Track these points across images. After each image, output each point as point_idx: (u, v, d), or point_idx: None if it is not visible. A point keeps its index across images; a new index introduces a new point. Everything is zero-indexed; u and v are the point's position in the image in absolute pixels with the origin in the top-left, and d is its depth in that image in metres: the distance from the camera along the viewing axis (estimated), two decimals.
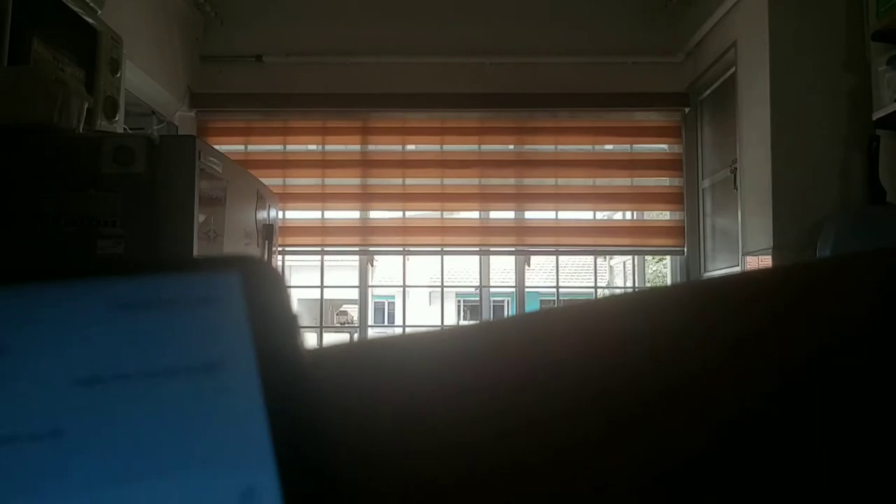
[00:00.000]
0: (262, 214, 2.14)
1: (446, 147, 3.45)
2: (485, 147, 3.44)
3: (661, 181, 3.43)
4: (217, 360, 0.14)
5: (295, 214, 3.43)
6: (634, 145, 3.45)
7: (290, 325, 0.15)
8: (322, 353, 0.17)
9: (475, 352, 0.17)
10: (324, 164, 3.44)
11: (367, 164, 3.44)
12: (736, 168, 2.85)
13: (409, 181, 3.43)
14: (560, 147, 3.44)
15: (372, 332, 3.84)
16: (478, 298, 3.77)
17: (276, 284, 0.15)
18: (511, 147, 3.45)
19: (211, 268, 0.15)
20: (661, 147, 3.47)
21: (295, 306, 0.15)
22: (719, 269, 3.13)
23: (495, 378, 0.16)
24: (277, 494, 0.12)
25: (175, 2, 3.12)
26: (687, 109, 3.40)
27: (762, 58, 2.57)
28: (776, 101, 2.52)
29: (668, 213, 3.46)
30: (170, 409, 0.13)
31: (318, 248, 3.42)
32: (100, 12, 2.09)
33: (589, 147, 3.46)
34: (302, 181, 3.43)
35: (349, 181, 3.43)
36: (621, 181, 3.41)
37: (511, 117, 3.43)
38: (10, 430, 0.12)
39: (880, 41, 2.33)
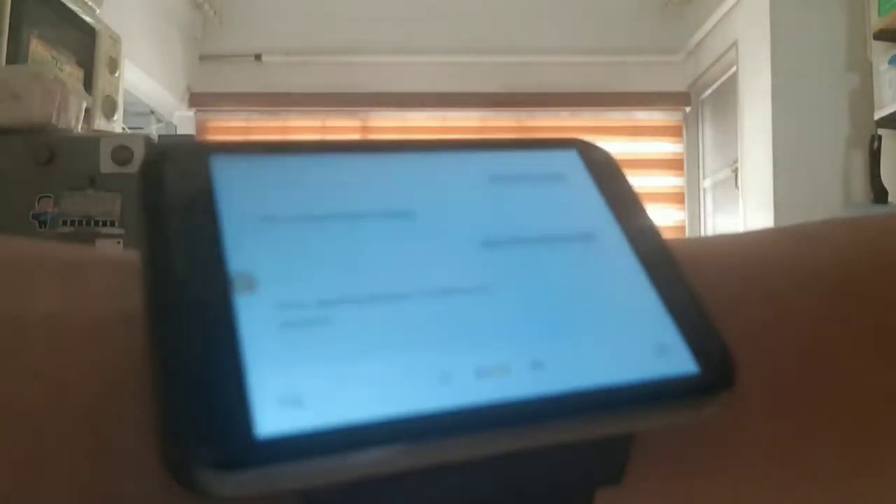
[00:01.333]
0: None
1: None
2: None
3: (663, 181, 3.42)
4: (588, 231, 0.15)
5: None
6: (636, 145, 3.44)
7: (637, 198, 0.16)
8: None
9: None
10: None
11: None
12: (737, 167, 2.84)
13: None
14: None
15: None
16: None
17: (611, 162, 0.16)
18: None
19: (552, 146, 0.16)
20: (662, 146, 3.47)
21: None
22: None
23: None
24: (686, 349, 0.13)
25: (174, 1, 3.11)
26: (688, 109, 3.39)
27: (763, 57, 2.56)
28: (777, 100, 2.51)
29: (669, 212, 3.45)
30: (567, 273, 0.14)
31: None
32: (98, 11, 2.08)
33: None
34: None
35: None
36: None
37: (511, 117, 3.42)
38: (447, 283, 0.13)
39: (882, 40, 2.32)
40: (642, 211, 0.16)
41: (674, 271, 0.14)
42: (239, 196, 0.13)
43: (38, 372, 0.11)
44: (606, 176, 0.16)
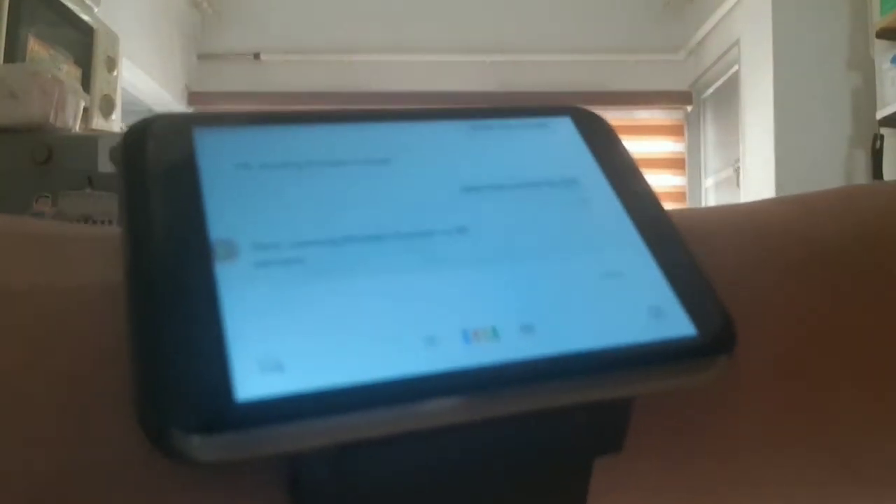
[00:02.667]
0: None
1: None
2: None
3: (664, 180, 3.41)
4: (571, 177, 0.14)
5: None
6: (637, 144, 3.43)
7: (634, 164, 0.15)
8: None
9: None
10: None
11: None
12: (739, 167, 2.83)
13: None
14: None
15: None
16: None
17: (607, 128, 0.16)
18: None
19: (546, 113, 0.16)
20: (663, 146, 3.46)
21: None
22: None
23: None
24: (683, 312, 0.13)
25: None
26: (690, 108, 3.38)
27: (765, 56, 2.55)
28: (779, 99, 2.50)
29: None
30: (548, 215, 0.14)
31: None
32: (96, 10, 2.07)
33: None
34: None
35: None
36: None
37: None
38: (428, 226, 0.13)
39: (884, 39, 2.31)
40: (639, 176, 0.15)
41: (670, 235, 0.14)
42: (222, 165, 0.13)
43: (21, 337, 0.12)
44: (602, 142, 0.16)
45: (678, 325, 0.12)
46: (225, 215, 0.12)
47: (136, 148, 0.13)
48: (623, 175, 0.15)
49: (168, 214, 0.12)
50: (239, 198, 0.12)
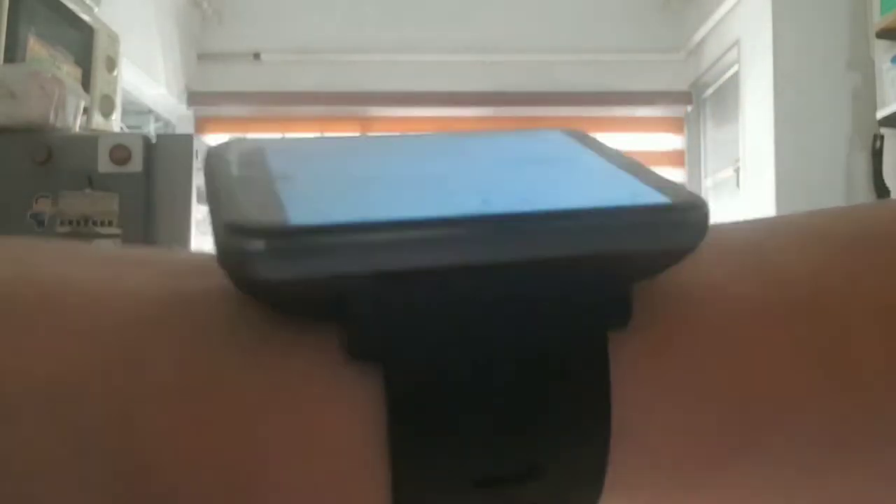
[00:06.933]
0: None
1: None
2: None
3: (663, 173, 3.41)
4: (563, 147, 0.17)
5: None
6: (637, 143, 3.43)
7: (638, 164, 0.17)
8: None
9: None
10: None
11: None
12: (739, 167, 2.83)
13: None
14: None
15: None
16: None
17: (596, 140, 0.18)
18: None
19: (536, 132, 0.18)
20: (663, 145, 3.46)
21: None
22: None
23: None
24: (659, 194, 0.14)
25: None
26: (689, 108, 3.38)
27: (765, 56, 2.55)
28: (779, 99, 2.50)
29: None
30: (547, 168, 0.16)
31: None
32: (96, 10, 2.07)
33: None
34: None
35: None
36: None
37: (511, 116, 3.40)
38: (458, 169, 0.16)
39: (884, 39, 2.31)
40: (626, 156, 0.17)
41: (647, 169, 0.16)
42: (288, 163, 0.15)
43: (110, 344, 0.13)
44: (593, 143, 0.18)
45: (654, 197, 0.14)
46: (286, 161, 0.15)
47: (219, 154, 0.16)
48: (614, 153, 0.17)
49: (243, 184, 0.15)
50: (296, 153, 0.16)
